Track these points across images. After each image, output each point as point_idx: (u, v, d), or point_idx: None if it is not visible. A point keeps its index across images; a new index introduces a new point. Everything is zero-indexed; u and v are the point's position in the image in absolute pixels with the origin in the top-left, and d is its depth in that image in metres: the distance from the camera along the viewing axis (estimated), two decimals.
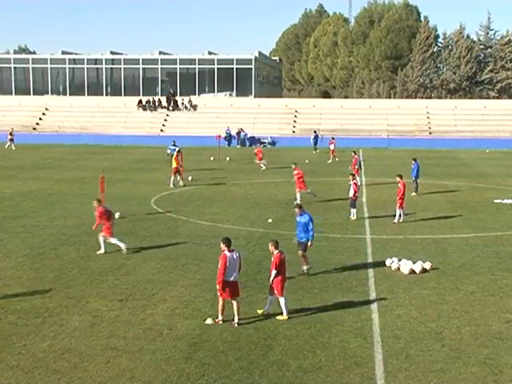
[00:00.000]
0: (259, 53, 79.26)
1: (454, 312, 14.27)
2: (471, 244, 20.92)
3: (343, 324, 13.46)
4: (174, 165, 33.51)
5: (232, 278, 13.43)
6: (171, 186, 32.91)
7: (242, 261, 14.08)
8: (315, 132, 60.02)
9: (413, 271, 17.32)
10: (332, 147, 48.44)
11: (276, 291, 13.77)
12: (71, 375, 11.03)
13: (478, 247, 20.48)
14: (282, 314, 13.81)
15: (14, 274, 17.16)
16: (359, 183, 34.51)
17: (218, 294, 13.59)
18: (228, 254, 13.42)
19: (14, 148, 56.19)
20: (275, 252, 13.93)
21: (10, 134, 57.40)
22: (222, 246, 13.54)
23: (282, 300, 13.79)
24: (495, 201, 29.37)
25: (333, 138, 49.89)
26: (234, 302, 13.51)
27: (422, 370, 11.32)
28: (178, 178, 33.73)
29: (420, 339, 12.66)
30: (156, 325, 13.40)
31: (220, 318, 13.56)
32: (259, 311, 13.94)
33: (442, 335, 12.90)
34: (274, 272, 13.73)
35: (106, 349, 12.14)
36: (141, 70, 75.49)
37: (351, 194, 24.63)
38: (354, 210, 24.84)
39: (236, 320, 13.47)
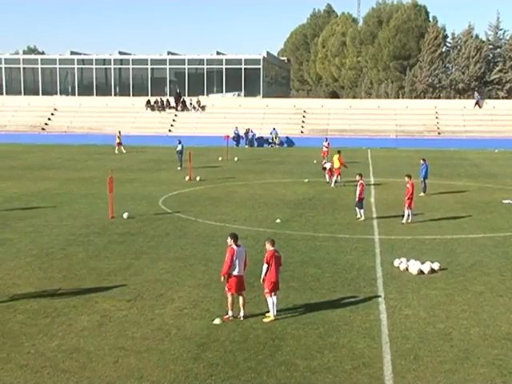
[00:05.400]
0: (267, 53, 79.19)
1: (462, 313, 14.23)
2: (480, 244, 20.84)
3: (351, 324, 13.43)
4: None
5: (238, 273, 13.58)
6: None
7: (248, 258, 14.13)
8: (248, 129, 60.42)
9: (421, 272, 17.27)
10: (325, 148, 45.44)
11: (266, 289, 13.66)
12: (80, 375, 11.06)
13: (487, 248, 20.40)
14: (268, 313, 13.72)
15: (22, 273, 17.23)
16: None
17: (226, 289, 13.67)
18: (236, 248, 13.59)
19: (124, 151, 53.14)
20: (270, 249, 13.84)
21: (118, 137, 54.55)
22: (230, 240, 13.70)
23: (269, 300, 13.69)
24: (504, 201, 29.24)
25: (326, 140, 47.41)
26: (241, 297, 13.68)
27: (431, 370, 11.29)
28: None
29: (428, 340, 12.63)
30: (164, 325, 13.42)
31: (230, 313, 13.59)
32: (265, 320, 13.59)
33: (451, 336, 12.86)
34: (265, 266, 13.63)
35: (114, 348, 12.17)
36: (149, 71, 75.59)
37: (357, 194, 24.58)
38: (361, 211, 24.75)
39: (242, 314, 13.63)
